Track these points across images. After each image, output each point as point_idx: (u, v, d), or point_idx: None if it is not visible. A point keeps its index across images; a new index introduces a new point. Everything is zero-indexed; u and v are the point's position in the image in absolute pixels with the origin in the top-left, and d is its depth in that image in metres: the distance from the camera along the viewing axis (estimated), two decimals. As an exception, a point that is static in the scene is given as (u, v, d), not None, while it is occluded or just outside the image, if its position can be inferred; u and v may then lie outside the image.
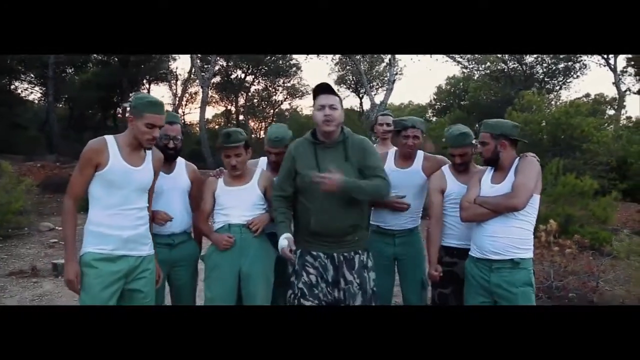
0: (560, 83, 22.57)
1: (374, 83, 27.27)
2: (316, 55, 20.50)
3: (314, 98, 2.57)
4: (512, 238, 2.51)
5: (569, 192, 7.91)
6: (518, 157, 2.62)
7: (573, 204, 7.92)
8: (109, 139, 2.36)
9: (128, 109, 2.38)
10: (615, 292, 5.20)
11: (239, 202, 2.75)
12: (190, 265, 2.86)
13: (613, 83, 21.83)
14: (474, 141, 2.82)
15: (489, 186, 2.62)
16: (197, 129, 17.85)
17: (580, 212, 7.89)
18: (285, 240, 2.47)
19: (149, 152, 2.46)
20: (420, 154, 3.13)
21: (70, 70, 22.97)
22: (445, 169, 2.94)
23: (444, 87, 26.35)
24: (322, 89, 2.54)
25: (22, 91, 22.56)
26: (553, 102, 16.66)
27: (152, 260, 2.48)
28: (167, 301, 2.93)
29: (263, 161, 3.13)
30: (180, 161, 2.92)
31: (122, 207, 2.33)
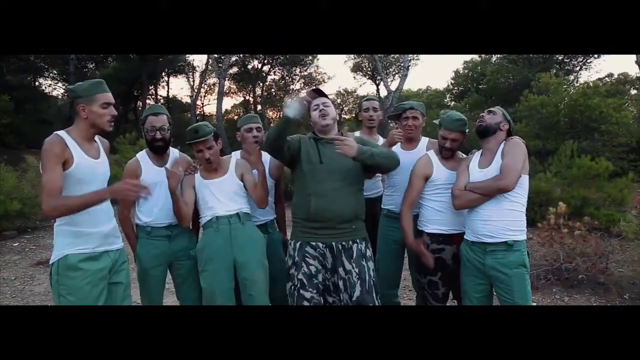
0: (580, 63, 21.89)
1: (391, 69, 27.05)
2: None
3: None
4: (505, 220, 2.58)
5: (583, 174, 7.85)
6: (504, 141, 2.68)
7: (588, 186, 7.86)
8: (64, 135, 2.25)
9: (73, 102, 2.28)
10: (625, 273, 5.20)
11: (220, 194, 2.81)
12: (191, 256, 2.87)
13: (635, 62, 21.22)
14: (467, 130, 2.90)
15: (477, 171, 2.68)
16: (216, 120, 18.02)
17: (596, 195, 7.83)
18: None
19: (99, 142, 2.42)
20: (424, 138, 3.25)
21: (91, 66, 23.42)
22: (432, 154, 2.94)
23: (461, 72, 25.95)
24: (313, 94, 2.76)
25: (45, 87, 23.18)
26: (573, 84, 16.32)
27: (124, 251, 2.50)
28: (166, 296, 3.01)
29: (235, 154, 3.16)
30: (174, 153, 2.97)
31: None
